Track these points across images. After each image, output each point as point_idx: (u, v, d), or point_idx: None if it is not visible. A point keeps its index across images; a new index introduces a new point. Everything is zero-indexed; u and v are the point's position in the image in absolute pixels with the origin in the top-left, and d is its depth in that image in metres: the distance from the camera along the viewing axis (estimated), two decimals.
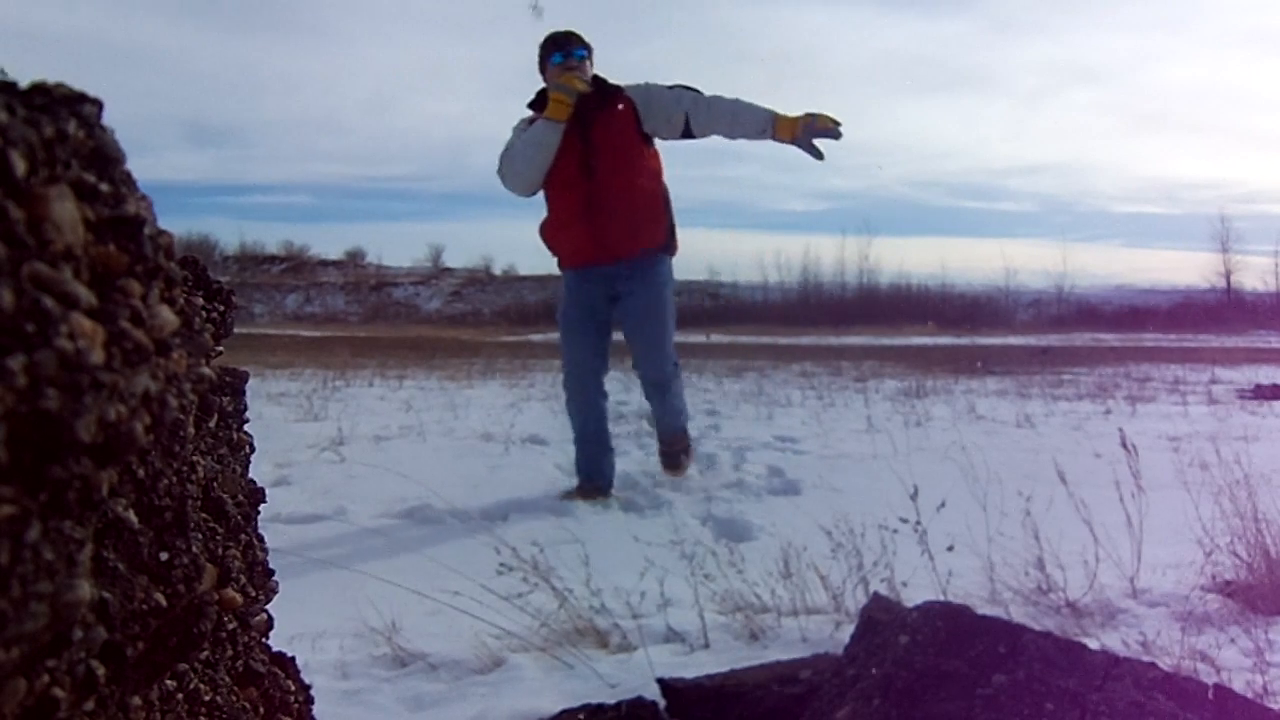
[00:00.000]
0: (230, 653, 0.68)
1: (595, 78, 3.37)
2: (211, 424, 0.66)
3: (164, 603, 0.52)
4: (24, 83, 0.43)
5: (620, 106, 3.33)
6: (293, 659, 0.78)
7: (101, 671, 0.47)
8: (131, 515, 0.51)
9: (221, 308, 0.68)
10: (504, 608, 1.78)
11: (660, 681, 1.36)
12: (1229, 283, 48.54)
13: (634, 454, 4.44)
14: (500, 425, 5.29)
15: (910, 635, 1.12)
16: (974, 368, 11.17)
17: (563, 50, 3.32)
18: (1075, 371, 11.17)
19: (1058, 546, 1.96)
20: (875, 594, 1.47)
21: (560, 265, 3.56)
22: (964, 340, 27.74)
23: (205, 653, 0.64)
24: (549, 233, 3.50)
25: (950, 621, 1.12)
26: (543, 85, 3.38)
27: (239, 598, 0.65)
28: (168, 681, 0.59)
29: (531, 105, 3.41)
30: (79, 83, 0.45)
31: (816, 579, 1.89)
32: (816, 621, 1.78)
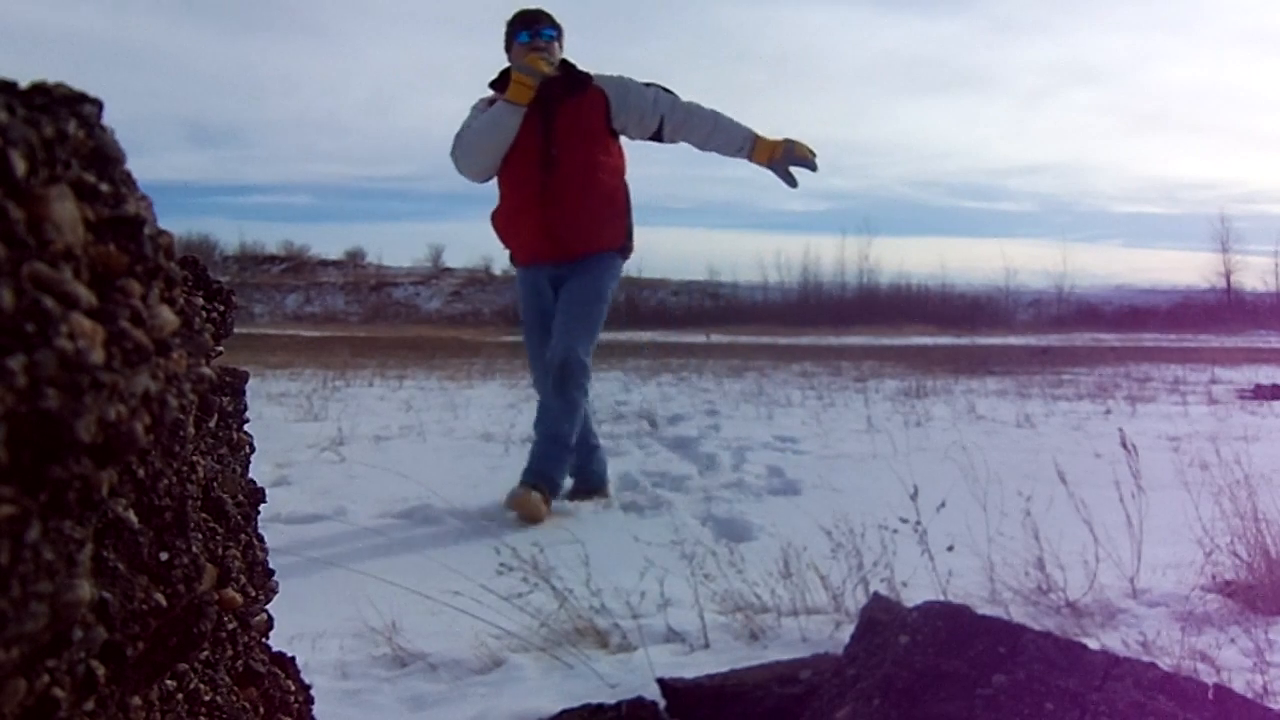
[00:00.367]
0: (230, 653, 0.68)
1: (564, 63, 3.16)
2: (211, 424, 0.66)
3: (164, 603, 0.52)
4: (24, 83, 0.43)
5: (589, 96, 3.13)
6: (293, 659, 0.78)
7: (101, 671, 0.47)
8: (131, 515, 0.51)
9: (221, 308, 0.68)
10: (504, 608, 1.78)
11: (660, 681, 1.36)
12: (1229, 283, 48.54)
13: (634, 454, 4.44)
14: (500, 425, 5.29)
15: (910, 635, 1.12)
16: (974, 368, 11.17)
17: (530, 29, 3.08)
18: (1075, 371, 11.17)
19: (1058, 546, 1.96)
20: (875, 594, 1.47)
21: (511, 260, 3.38)
22: (964, 340, 27.74)
23: (205, 653, 0.64)
24: (500, 223, 3.29)
25: (950, 621, 1.12)
26: (507, 65, 3.15)
27: (239, 598, 0.65)
28: (168, 681, 0.59)
29: (493, 85, 3.19)
30: (79, 83, 0.45)
31: (816, 579, 1.89)
32: (816, 621, 1.78)
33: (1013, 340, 27.35)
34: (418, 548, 2.58)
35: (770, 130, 3.16)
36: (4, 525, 0.37)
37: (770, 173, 3.13)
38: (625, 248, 3.30)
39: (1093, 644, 1.32)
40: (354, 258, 61.94)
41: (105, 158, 0.46)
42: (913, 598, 1.60)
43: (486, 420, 5.62)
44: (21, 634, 0.38)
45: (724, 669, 1.42)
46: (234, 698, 0.67)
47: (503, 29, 3.17)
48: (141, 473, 0.51)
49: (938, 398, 7.40)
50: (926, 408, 6.44)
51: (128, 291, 0.45)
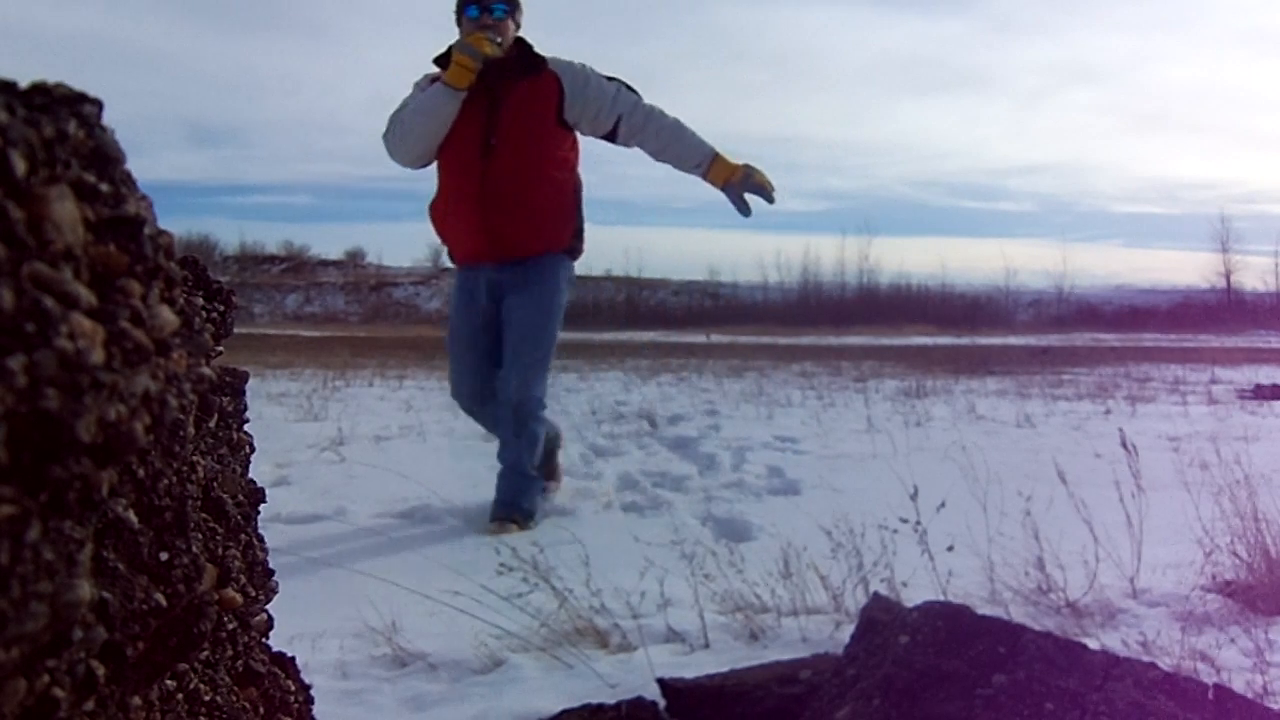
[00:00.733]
0: (230, 653, 0.68)
1: (519, 42, 2.87)
2: (211, 424, 0.66)
3: (164, 603, 0.52)
4: (24, 83, 0.43)
5: (543, 81, 2.84)
6: (293, 659, 0.78)
7: (101, 671, 0.47)
8: (131, 515, 0.51)
9: (221, 308, 0.68)
10: (504, 608, 1.78)
11: (660, 681, 1.36)
12: (1229, 283, 48.58)
13: (634, 454, 4.44)
14: None
15: (910, 635, 1.12)
16: (974, 368, 11.17)
17: (479, 3, 2.78)
18: (1075, 371, 11.17)
19: (1058, 546, 1.95)
20: (875, 594, 1.47)
21: (450, 258, 3.09)
22: (964, 340, 27.74)
23: (205, 653, 0.64)
24: (435, 215, 3.00)
25: (950, 621, 1.12)
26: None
27: (239, 598, 0.65)
28: (168, 681, 0.59)
29: (438, 61, 2.87)
30: (79, 83, 0.45)
31: (816, 579, 1.89)
32: (816, 621, 1.78)
33: (1013, 340, 27.35)
34: (418, 548, 2.58)
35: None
36: (4, 525, 0.37)
37: (723, 197, 2.87)
38: (573, 249, 3.03)
39: (1093, 644, 1.32)
40: (354, 258, 62.01)
41: (105, 158, 0.46)
42: (913, 598, 1.60)
43: None
44: (21, 634, 0.38)
45: (724, 669, 1.42)
46: (234, 698, 0.67)
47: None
48: (141, 473, 0.51)
49: (938, 398, 7.40)
50: (926, 408, 6.44)
51: (128, 291, 0.45)
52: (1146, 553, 2.04)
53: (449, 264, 3.19)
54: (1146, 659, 1.12)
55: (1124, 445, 2.10)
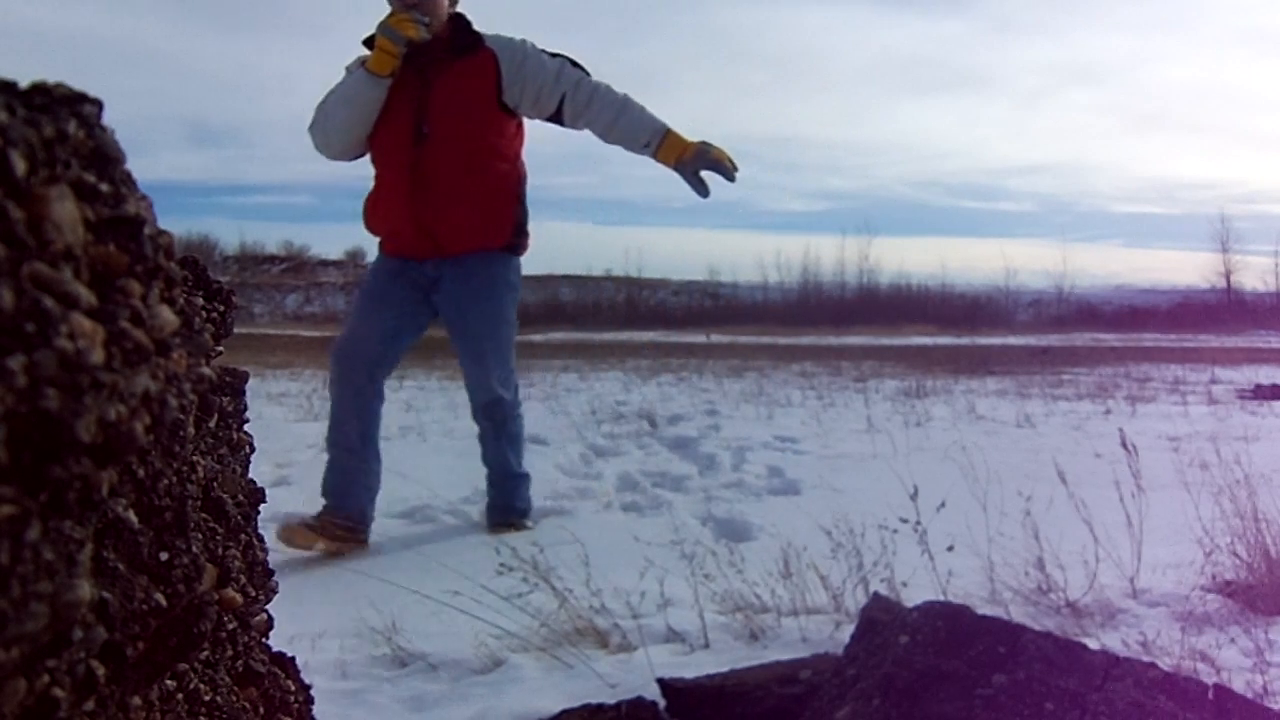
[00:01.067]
0: (230, 653, 0.68)
1: (455, 18, 2.65)
2: (211, 424, 0.66)
3: (164, 603, 0.52)
4: (24, 83, 0.43)
5: (479, 60, 2.62)
6: (293, 659, 0.78)
7: (101, 671, 0.47)
8: (131, 515, 0.51)
9: (221, 308, 0.68)
10: (504, 608, 1.78)
11: (660, 681, 1.36)
12: (1229, 283, 48.52)
13: (634, 454, 4.44)
14: None
15: (910, 635, 1.12)
16: (974, 368, 11.17)
17: None
18: (1075, 371, 11.17)
19: (1058, 546, 1.96)
20: (875, 594, 1.47)
21: (380, 251, 2.80)
22: (964, 340, 27.74)
23: (205, 653, 0.64)
24: (365, 208, 2.76)
25: (950, 621, 1.12)
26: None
27: (239, 598, 0.65)
28: (168, 681, 0.59)
29: (367, 43, 2.61)
30: (79, 83, 0.45)
31: (816, 579, 1.89)
32: (816, 621, 1.78)
33: (1013, 340, 27.33)
34: (418, 548, 2.58)
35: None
36: (4, 525, 0.37)
37: (677, 176, 2.63)
38: (514, 244, 2.77)
39: (1093, 644, 1.32)
40: (354, 258, 61.89)
41: (105, 158, 0.46)
42: (913, 598, 1.60)
43: None
44: (21, 634, 0.38)
45: (724, 669, 1.42)
46: (234, 698, 0.67)
47: None
48: (141, 473, 0.51)
49: (938, 398, 7.40)
50: (926, 408, 6.44)
51: (128, 291, 0.45)
52: (1146, 553, 2.04)
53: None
54: (1146, 659, 1.12)
55: (1124, 445, 2.10)
